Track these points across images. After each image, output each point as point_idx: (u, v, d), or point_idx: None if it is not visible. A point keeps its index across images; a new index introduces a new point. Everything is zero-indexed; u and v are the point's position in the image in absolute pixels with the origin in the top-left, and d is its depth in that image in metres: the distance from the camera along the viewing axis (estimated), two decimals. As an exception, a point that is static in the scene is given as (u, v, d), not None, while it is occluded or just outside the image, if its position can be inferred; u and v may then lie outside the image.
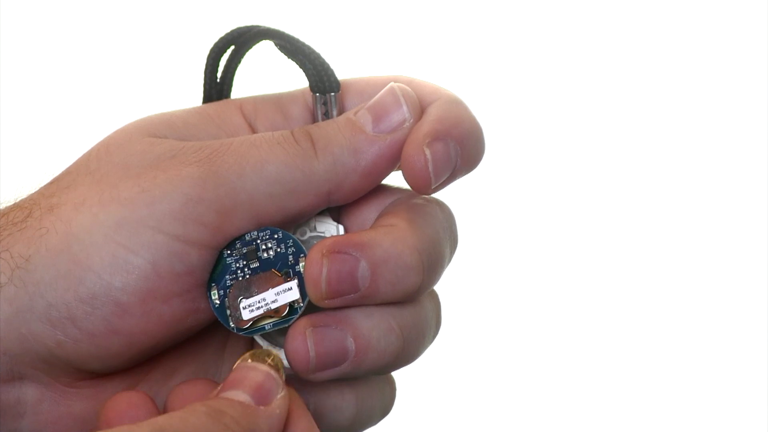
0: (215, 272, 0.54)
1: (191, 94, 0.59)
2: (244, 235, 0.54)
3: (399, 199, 0.56)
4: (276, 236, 0.54)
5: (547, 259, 1.23)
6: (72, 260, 0.52)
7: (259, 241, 0.54)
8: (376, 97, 0.55)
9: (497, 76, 1.23)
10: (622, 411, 1.20)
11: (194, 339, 0.56)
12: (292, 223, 0.55)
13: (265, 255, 0.54)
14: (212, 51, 0.57)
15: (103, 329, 0.52)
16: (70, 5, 1.19)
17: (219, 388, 0.51)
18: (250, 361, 0.52)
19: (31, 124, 1.19)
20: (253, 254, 0.54)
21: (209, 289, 0.54)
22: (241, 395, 0.50)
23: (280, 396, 0.51)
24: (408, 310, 0.55)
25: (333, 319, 0.54)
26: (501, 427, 1.20)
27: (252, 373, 0.51)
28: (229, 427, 0.49)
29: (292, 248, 0.54)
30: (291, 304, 0.54)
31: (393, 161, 0.55)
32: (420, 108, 0.55)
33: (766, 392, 1.18)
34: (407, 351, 0.55)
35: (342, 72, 0.57)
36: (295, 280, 0.54)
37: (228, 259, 0.54)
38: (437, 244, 0.55)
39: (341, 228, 0.56)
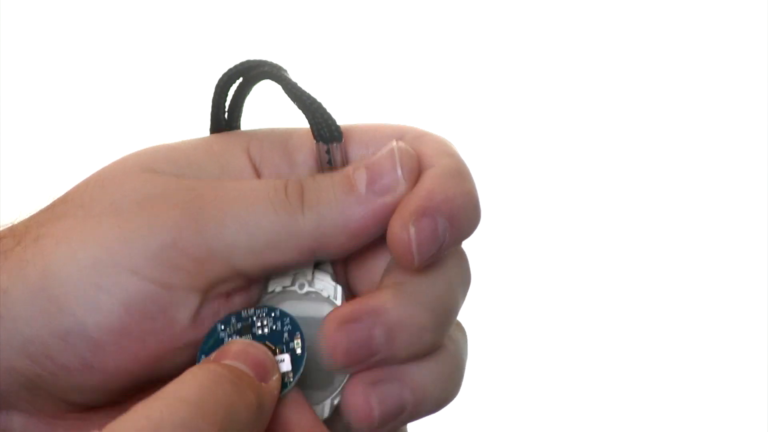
0: (207, 344, 0.52)
1: (201, 120, 0.57)
2: (240, 311, 0.53)
3: None
4: (273, 314, 0.53)
5: (546, 259, 1.22)
6: (47, 297, 0.51)
7: (254, 318, 0.53)
8: (377, 155, 0.53)
9: (497, 78, 1.22)
10: (622, 411, 1.19)
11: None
12: (274, 272, 0.54)
13: (260, 332, 0.53)
14: (220, 81, 0.55)
15: (78, 365, 0.52)
16: (87, 26, 1.19)
17: (213, 356, 0.50)
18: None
19: (40, 144, 1.21)
20: (248, 330, 0.53)
21: (199, 360, 0.52)
22: (243, 367, 0.50)
23: (275, 378, 0.51)
24: (451, 353, 0.54)
25: (390, 373, 0.53)
26: (500, 427, 1.19)
27: (251, 349, 0.51)
28: (246, 392, 0.48)
29: (288, 326, 0.52)
30: (282, 377, 0.52)
31: (381, 225, 0.52)
32: (417, 172, 0.53)
33: (766, 392, 1.16)
34: (455, 392, 0.55)
35: (347, 114, 0.55)
36: (288, 355, 0.52)
37: (221, 333, 0.53)
38: (449, 296, 0.53)
39: (339, 290, 0.54)
